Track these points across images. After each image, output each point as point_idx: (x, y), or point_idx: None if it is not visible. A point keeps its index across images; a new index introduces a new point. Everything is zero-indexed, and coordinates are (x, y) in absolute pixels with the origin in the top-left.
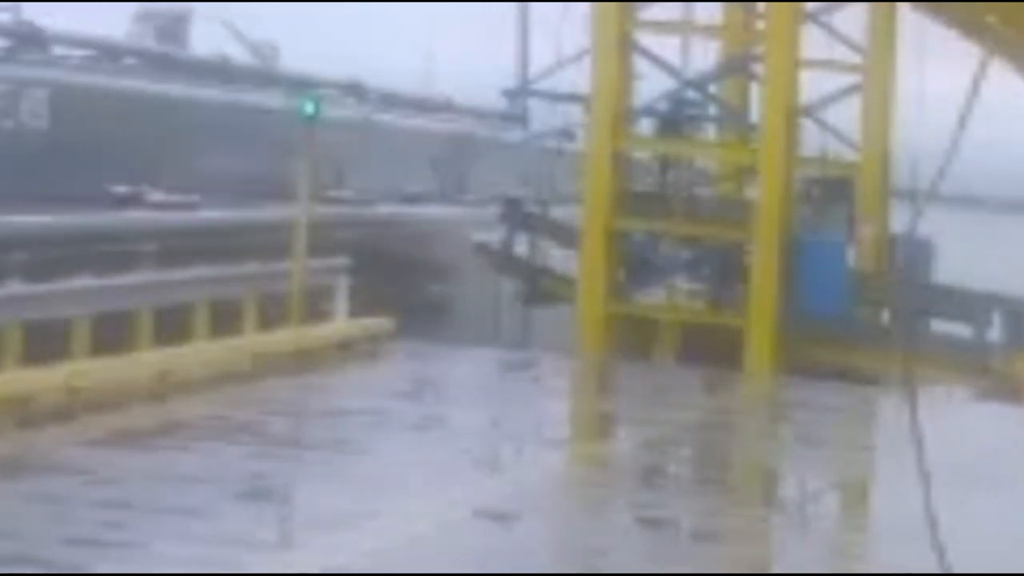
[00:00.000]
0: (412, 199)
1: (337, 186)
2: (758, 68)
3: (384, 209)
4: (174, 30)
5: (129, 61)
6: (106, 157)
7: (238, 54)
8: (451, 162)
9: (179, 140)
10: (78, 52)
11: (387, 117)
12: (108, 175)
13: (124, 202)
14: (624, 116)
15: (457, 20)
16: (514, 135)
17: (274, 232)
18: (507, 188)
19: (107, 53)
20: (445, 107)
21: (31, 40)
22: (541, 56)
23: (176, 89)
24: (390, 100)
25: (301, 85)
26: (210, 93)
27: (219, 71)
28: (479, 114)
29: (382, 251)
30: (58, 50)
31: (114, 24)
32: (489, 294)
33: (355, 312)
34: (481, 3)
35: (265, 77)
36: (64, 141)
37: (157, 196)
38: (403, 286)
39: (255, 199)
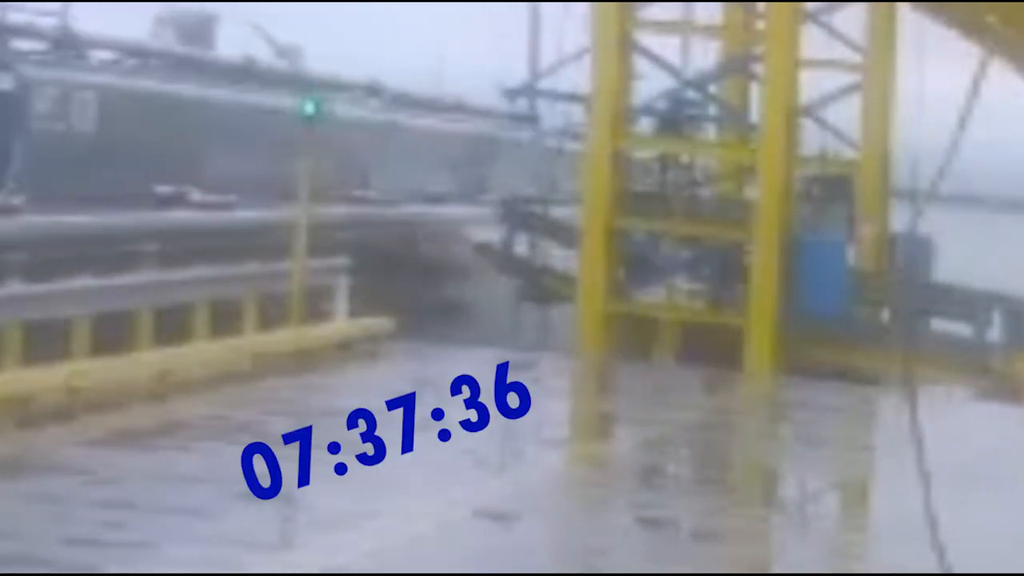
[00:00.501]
0: (435, 199)
1: (363, 186)
2: (758, 68)
3: (408, 209)
4: (200, 32)
5: (154, 63)
6: (149, 158)
7: (262, 56)
8: (471, 162)
9: (217, 142)
10: (106, 55)
11: (409, 118)
12: (152, 176)
13: (168, 202)
14: (624, 116)
15: (461, 20)
16: (529, 135)
17: (311, 231)
18: (525, 188)
19: (139, 55)
20: (463, 108)
21: (68, 44)
22: (545, 56)
23: (215, 92)
24: (409, 101)
25: (328, 87)
26: (246, 96)
27: (250, 74)
28: (495, 114)
29: (407, 250)
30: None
31: (135, 26)
32: (511, 292)
33: (379, 310)
34: (485, 2)
35: (294, 80)
36: (110, 143)
37: (196, 196)
38: (426, 284)
39: (287, 199)
